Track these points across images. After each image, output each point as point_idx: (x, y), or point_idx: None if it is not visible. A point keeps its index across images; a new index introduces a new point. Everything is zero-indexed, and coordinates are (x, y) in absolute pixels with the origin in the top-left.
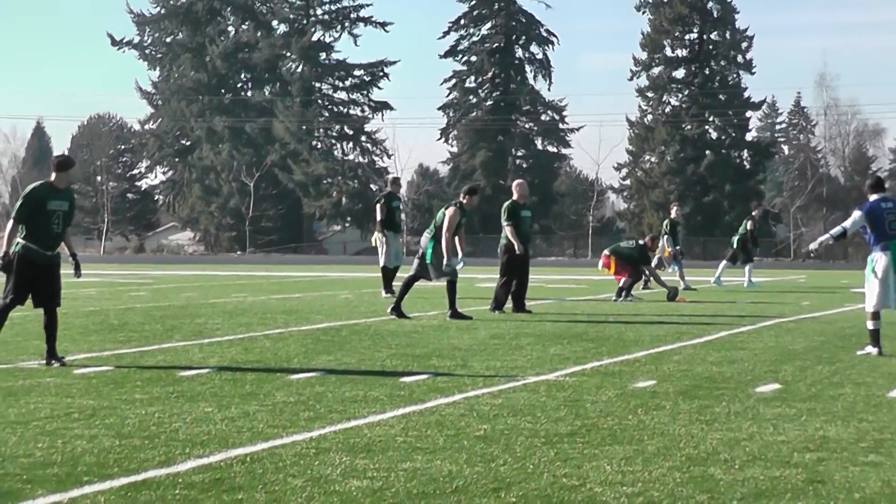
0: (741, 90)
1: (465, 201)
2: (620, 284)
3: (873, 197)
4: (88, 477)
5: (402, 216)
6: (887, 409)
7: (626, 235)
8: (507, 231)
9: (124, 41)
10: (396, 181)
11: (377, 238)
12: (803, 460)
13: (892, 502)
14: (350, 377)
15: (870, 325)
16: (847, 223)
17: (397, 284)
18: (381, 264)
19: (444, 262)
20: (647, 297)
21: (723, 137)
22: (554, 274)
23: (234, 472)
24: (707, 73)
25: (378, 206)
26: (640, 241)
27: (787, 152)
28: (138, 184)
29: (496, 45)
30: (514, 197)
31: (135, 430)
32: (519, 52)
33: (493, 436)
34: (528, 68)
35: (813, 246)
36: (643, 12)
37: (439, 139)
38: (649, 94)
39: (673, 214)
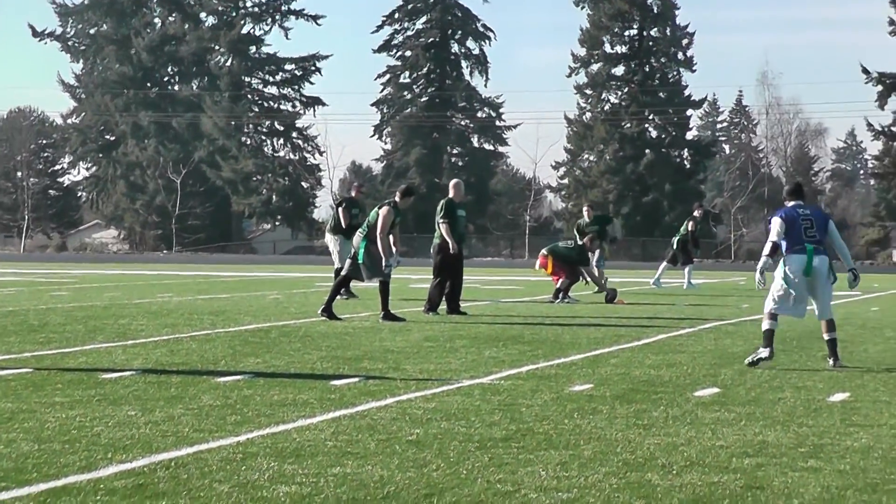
0: (682, 88)
1: (398, 201)
2: (558, 286)
3: (790, 203)
4: (6, 483)
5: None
6: (827, 413)
7: (563, 235)
8: (442, 229)
9: (46, 32)
10: (359, 189)
11: (331, 239)
12: (742, 465)
13: None
14: (279, 380)
15: (766, 324)
16: (772, 235)
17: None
18: (336, 265)
19: (382, 262)
20: (584, 299)
21: (663, 136)
22: (490, 275)
23: (157, 477)
24: (647, 70)
25: (340, 210)
26: (579, 242)
27: (728, 151)
28: (60, 180)
29: (431, 39)
30: (451, 195)
31: (55, 435)
32: (455, 48)
33: (426, 440)
34: (464, 64)
35: (759, 285)
36: (582, 7)
37: (373, 136)
38: (588, 92)
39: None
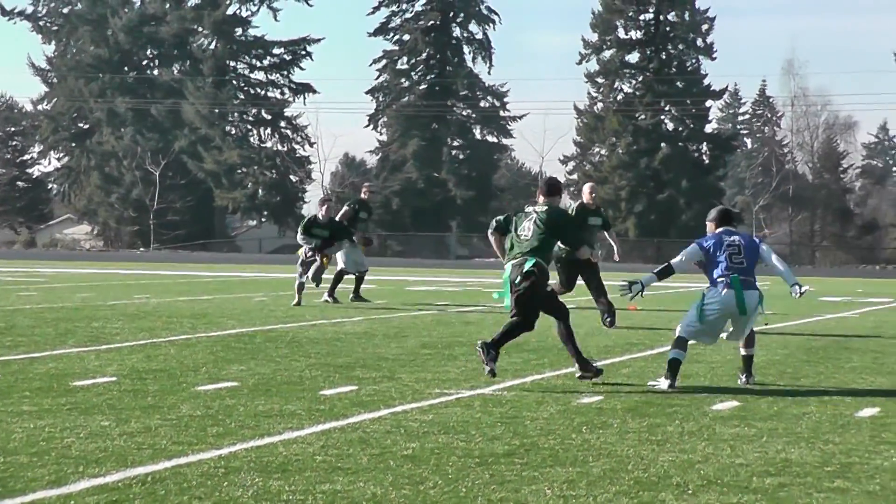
0: (700, 77)
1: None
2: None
3: (717, 230)
4: None
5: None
6: (855, 429)
7: None
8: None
9: (16, 11)
10: (369, 189)
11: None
12: (763, 485)
13: None
14: (264, 389)
15: (673, 353)
16: (676, 259)
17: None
18: (340, 266)
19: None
20: (593, 304)
21: (680, 129)
22: (492, 276)
23: (132, 493)
24: (663, 57)
25: (345, 209)
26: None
27: (750, 146)
28: (29, 171)
29: (431, 22)
30: (584, 200)
31: (21, 446)
32: (456, 31)
33: (423, 455)
34: (466, 49)
35: (623, 291)
36: None
37: (367, 126)
38: (599, 80)
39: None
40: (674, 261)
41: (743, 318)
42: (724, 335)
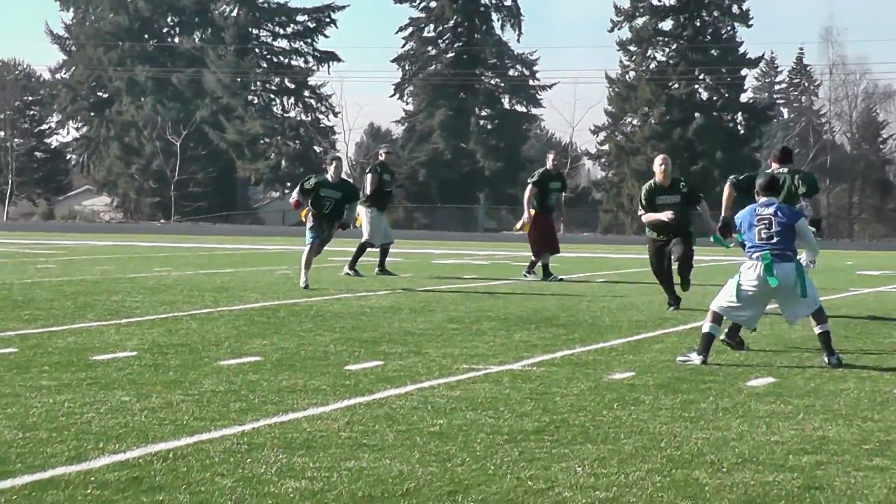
0: (736, 45)
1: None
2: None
3: (761, 199)
4: None
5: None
6: (895, 406)
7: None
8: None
9: None
10: (389, 153)
11: (363, 211)
12: (800, 463)
13: None
14: (288, 364)
15: (706, 326)
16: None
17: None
18: (364, 239)
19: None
20: (625, 279)
21: (714, 98)
22: (520, 249)
23: (154, 469)
24: (698, 24)
25: (370, 176)
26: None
27: (786, 116)
28: (48, 141)
29: None
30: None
31: (41, 422)
32: None
33: (450, 432)
34: (494, 16)
35: (726, 243)
36: None
37: (392, 96)
38: (632, 48)
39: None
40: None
41: (786, 294)
42: (785, 318)
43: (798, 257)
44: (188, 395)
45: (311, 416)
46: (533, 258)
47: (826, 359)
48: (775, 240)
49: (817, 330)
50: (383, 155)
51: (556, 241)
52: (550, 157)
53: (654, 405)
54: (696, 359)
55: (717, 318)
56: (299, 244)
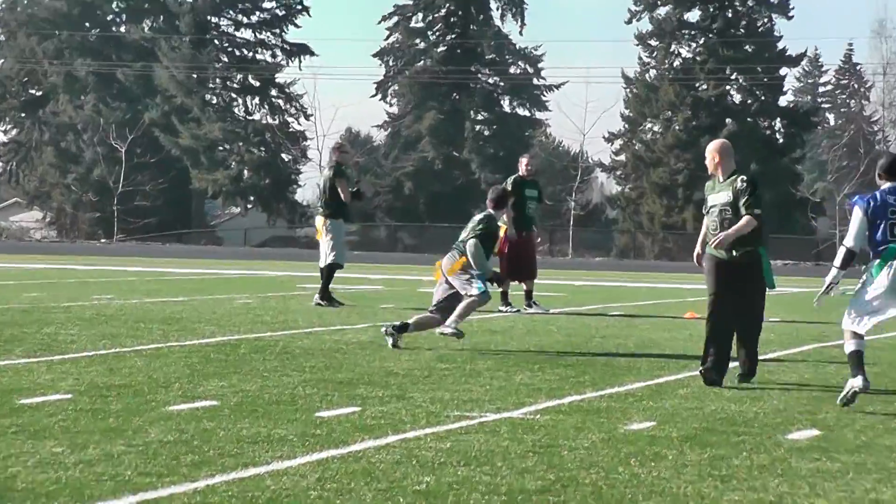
0: (774, 40)
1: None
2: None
3: (884, 185)
4: None
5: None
6: None
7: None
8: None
9: None
10: (343, 151)
11: (324, 225)
12: None
13: None
14: (249, 409)
15: (849, 345)
16: (849, 237)
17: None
18: (330, 261)
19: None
20: (644, 311)
21: (749, 101)
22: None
23: None
24: (729, 15)
25: (341, 181)
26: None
27: (832, 122)
28: None
29: None
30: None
31: None
32: None
33: (439, 491)
34: (493, 4)
35: (817, 303)
36: None
37: (374, 96)
38: (653, 43)
39: None
40: (847, 240)
41: None
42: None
43: None
44: (131, 445)
45: (275, 471)
46: (525, 287)
47: None
48: None
49: None
50: (337, 153)
51: (534, 265)
52: (524, 160)
53: (678, 461)
54: (856, 384)
55: (857, 335)
56: (262, 268)
